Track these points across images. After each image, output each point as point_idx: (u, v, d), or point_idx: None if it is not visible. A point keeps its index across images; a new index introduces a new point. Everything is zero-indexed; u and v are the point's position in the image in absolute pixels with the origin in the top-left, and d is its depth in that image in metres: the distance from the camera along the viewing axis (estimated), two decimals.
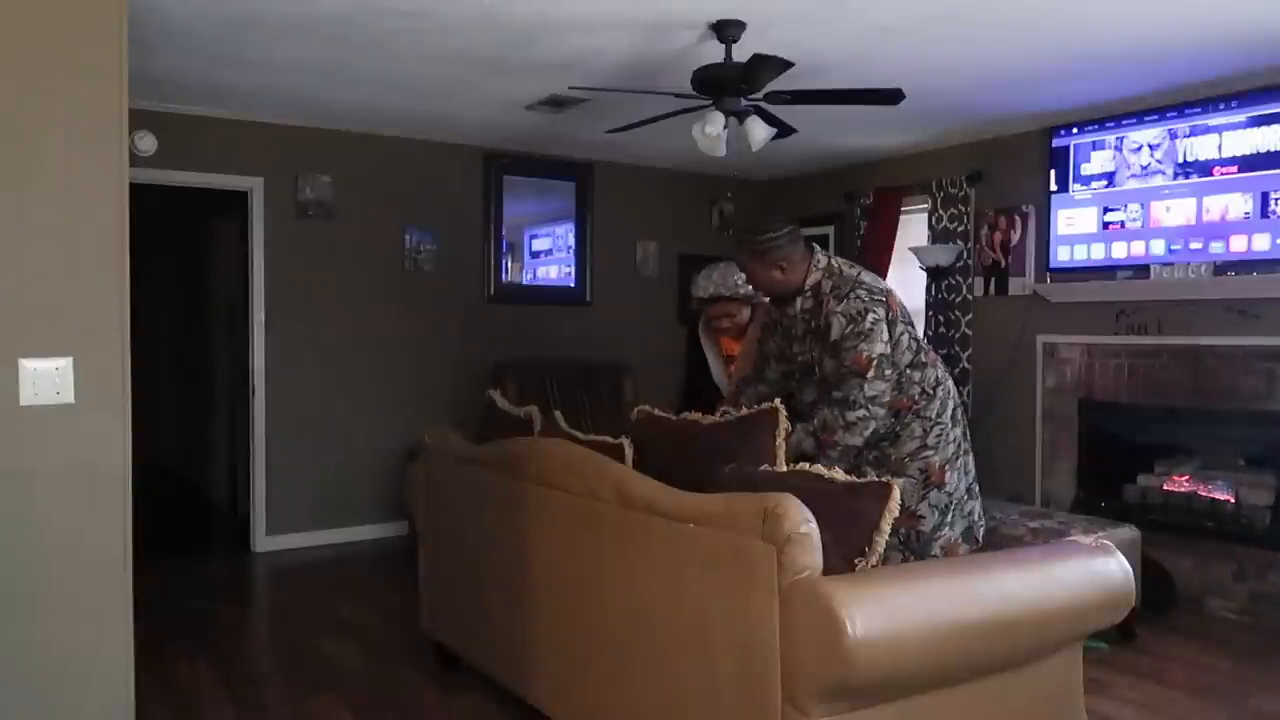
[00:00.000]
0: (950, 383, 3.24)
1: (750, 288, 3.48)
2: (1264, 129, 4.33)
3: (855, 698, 2.02)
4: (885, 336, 3.01)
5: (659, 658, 2.37)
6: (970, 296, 5.82)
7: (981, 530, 3.20)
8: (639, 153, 6.32)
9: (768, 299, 3.32)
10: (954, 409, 3.21)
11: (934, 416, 3.13)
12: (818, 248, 3.21)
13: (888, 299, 3.10)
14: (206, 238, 7.05)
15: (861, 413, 2.97)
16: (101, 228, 2.12)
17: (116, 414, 2.15)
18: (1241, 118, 4.41)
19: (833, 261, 3.16)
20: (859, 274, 3.14)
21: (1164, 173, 4.71)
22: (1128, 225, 4.86)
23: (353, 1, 3.54)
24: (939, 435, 3.13)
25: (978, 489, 3.25)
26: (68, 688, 2.12)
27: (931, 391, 3.15)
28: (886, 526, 2.13)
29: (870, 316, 3.00)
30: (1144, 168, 4.79)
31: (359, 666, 3.70)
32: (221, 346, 6.79)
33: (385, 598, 4.55)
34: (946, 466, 3.12)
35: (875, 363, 2.97)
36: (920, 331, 5.90)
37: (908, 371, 3.11)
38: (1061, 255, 5.18)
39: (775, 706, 2.02)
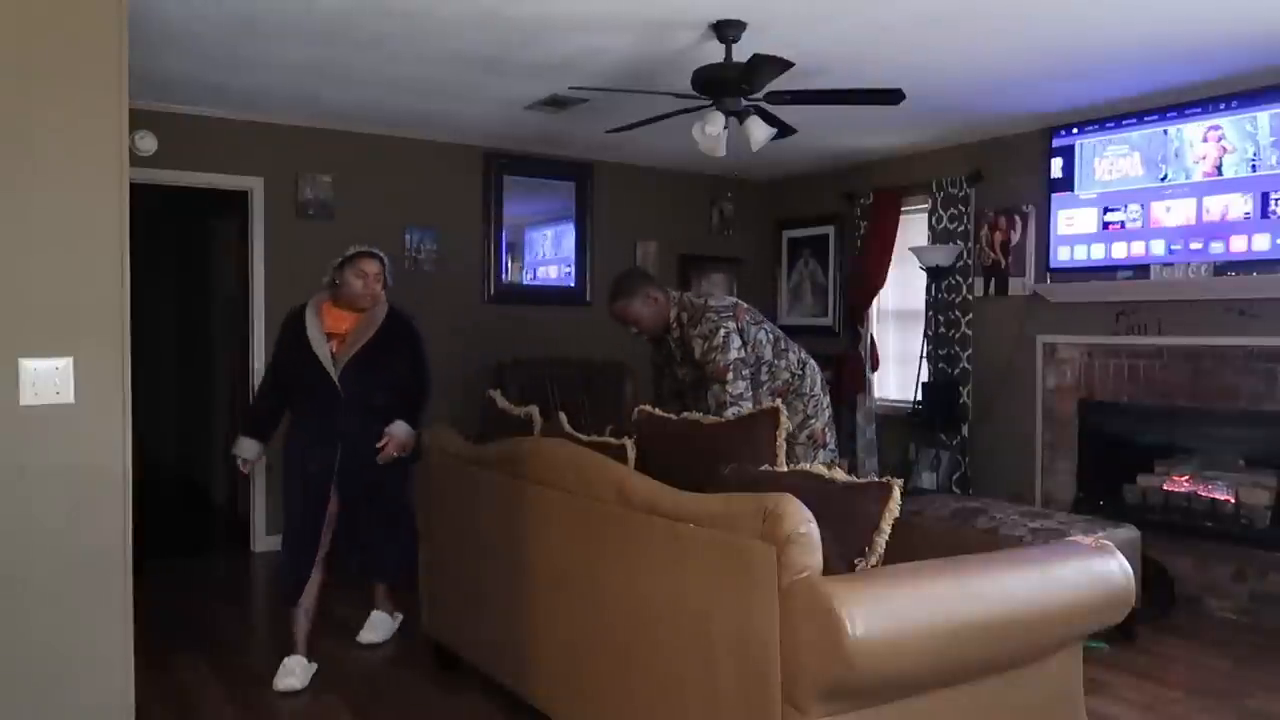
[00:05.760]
0: (811, 360, 3.88)
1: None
2: (1264, 129, 4.33)
3: (855, 698, 2.02)
4: (738, 344, 3.63)
5: (659, 658, 2.37)
6: (970, 296, 5.82)
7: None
8: (639, 153, 6.32)
9: (651, 340, 3.91)
10: (820, 380, 3.87)
11: (809, 391, 3.79)
12: (670, 290, 3.85)
13: (735, 311, 3.72)
14: (206, 238, 7.05)
15: (734, 409, 3.46)
16: (101, 228, 2.12)
17: (116, 414, 2.15)
18: (1248, 117, 4.41)
19: (684, 297, 3.80)
20: (705, 301, 3.75)
21: (1169, 172, 4.71)
22: (1128, 225, 4.87)
23: (353, 1, 3.54)
24: (815, 405, 3.81)
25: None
26: (67, 687, 2.12)
27: (800, 372, 3.79)
28: (886, 526, 2.14)
29: (721, 332, 3.62)
30: (1148, 167, 4.79)
31: (359, 666, 3.70)
32: (221, 346, 6.79)
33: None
34: (826, 429, 3.82)
35: (731, 368, 3.58)
36: (922, 331, 5.96)
37: (774, 361, 3.74)
38: (1061, 255, 5.18)
39: (775, 706, 2.02)
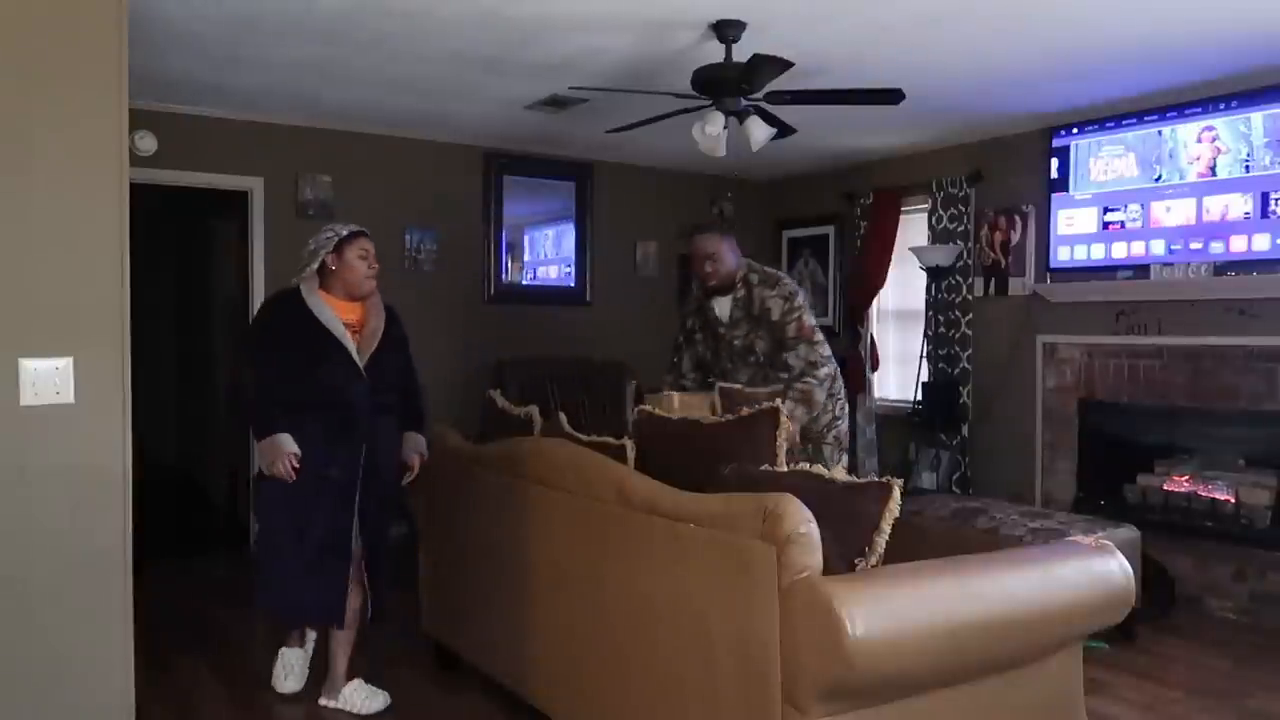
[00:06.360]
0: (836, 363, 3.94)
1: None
2: (1258, 130, 4.33)
3: (855, 698, 2.02)
4: (812, 313, 3.70)
5: (659, 658, 2.37)
6: (970, 296, 5.82)
7: None
8: (639, 153, 6.32)
9: (707, 293, 3.84)
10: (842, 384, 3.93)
11: (837, 393, 3.81)
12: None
13: (799, 289, 3.79)
14: (206, 238, 7.05)
15: (827, 369, 3.56)
16: (101, 228, 2.12)
17: (116, 414, 2.15)
18: (1242, 118, 4.41)
19: (752, 262, 3.84)
20: (774, 270, 3.83)
21: (1164, 172, 4.71)
22: (1128, 225, 4.86)
23: (353, 1, 3.54)
24: (842, 407, 3.83)
25: None
26: (68, 688, 2.12)
27: (834, 372, 3.79)
28: (887, 526, 2.14)
29: (799, 296, 3.71)
30: (1144, 167, 4.79)
31: (359, 667, 3.69)
32: (221, 346, 6.79)
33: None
34: (845, 432, 3.84)
35: (815, 328, 3.64)
36: (922, 331, 5.97)
37: None
38: (1061, 255, 5.18)
39: (775, 706, 2.02)
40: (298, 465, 3.07)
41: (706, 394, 3.69)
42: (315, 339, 3.13)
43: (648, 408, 3.18)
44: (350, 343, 3.17)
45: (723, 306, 3.78)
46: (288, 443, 3.08)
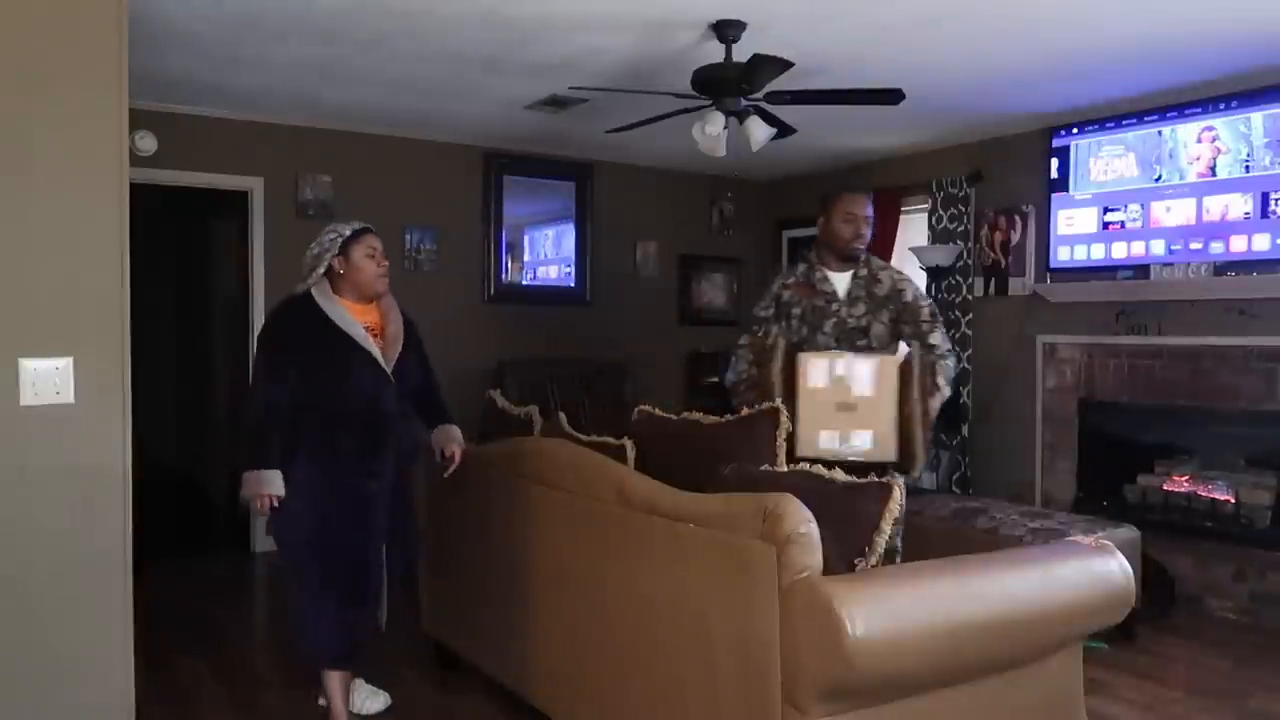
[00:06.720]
0: None
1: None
2: (1258, 130, 4.33)
3: (855, 698, 2.02)
4: None
5: (659, 657, 2.37)
6: (970, 296, 5.82)
7: None
8: (639, 153, 6.32)
9: (852, 256, 3.61)
10: None
11: None
12: None
13: None
14: (206, 238, 7.05)
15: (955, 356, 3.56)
16: (101, 228, 2.13)
17: (116, 414, 2.15)
18: (1242, 118, 4.41)
19: None
20: None
21: (1164, 172, 4.71)
22: (1128, 225, 4.86)
23: (353, 1, 3.54)
24: None
25: None
26: (68, 687, 2.12)
27: None
28: (887, 527, 2.14)
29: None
30: (1144, 167, 4.79)
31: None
32: (221, 346, 6.79)
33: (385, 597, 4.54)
34: None
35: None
36: None
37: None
38: (1061, 255, 5.18)
39: (775, 706, 2.02)
40: (275, 507, 2.84)
41: (885, 354, 3.36)
42: (338, 346, 2.92)
43: (646, 408, 3.17)
44: (374, 346, 2.97)
45: (840, 282, 3.55)
46: (274, 483, 2.82)
